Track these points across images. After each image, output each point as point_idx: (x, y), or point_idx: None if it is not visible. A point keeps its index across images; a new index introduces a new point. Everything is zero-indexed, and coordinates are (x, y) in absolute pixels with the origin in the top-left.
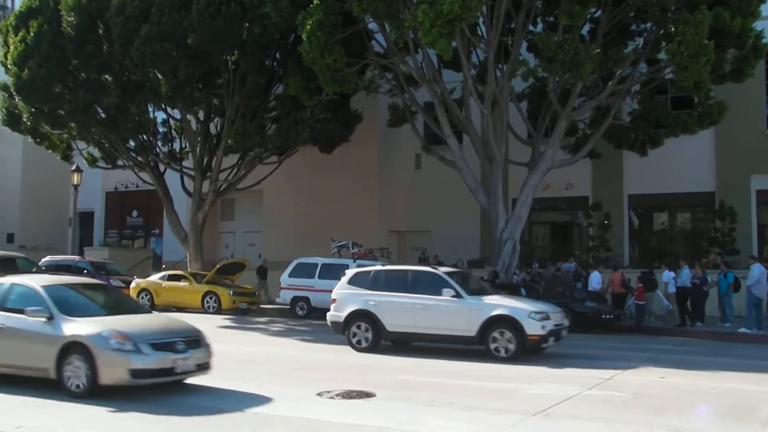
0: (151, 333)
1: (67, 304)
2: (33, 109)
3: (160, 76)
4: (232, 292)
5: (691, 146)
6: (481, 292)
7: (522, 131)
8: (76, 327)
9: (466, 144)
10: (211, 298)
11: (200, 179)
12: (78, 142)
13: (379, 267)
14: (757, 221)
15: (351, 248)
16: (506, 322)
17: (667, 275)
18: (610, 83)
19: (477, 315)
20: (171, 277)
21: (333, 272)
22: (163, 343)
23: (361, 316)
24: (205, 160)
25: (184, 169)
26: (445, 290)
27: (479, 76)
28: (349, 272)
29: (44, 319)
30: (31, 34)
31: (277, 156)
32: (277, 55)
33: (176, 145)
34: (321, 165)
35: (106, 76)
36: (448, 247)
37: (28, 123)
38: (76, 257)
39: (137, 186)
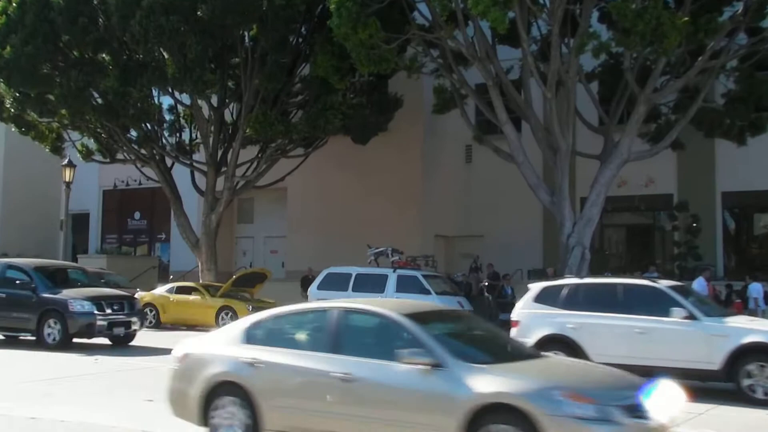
0: (605, 389)
1: (454, 343)
2: (17, 94)
3: (165, 54)
4: (251, 308)
5: None
6: (719, 312)
7: (592, 117)
8: (490, 381)
9: (526, 133)
10: (227, 315)
11: (213, 175)
12: (70, 132)
13: (576, 280)
14: None
15: (390, 256)
16: (766, 352)
17: (755, 288)
18: (700, 59)
19: (721, 343)
20: (180, 290)
21: (370, 284)
22: (628, 405)
23: (555, 342)
24: (220, 152)
25: (194, 164)
26: (673, 310)
27: (541, 53)
28: (536, 287)
29: (426, 368)
30: (14, 4)
31: (304, 148)
32: (303, 29)
33: (185, 136)
34: (355, 158)
35: (103, 55)
36: (505, 254)
37: (12, 110)
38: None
39: (140, 183)
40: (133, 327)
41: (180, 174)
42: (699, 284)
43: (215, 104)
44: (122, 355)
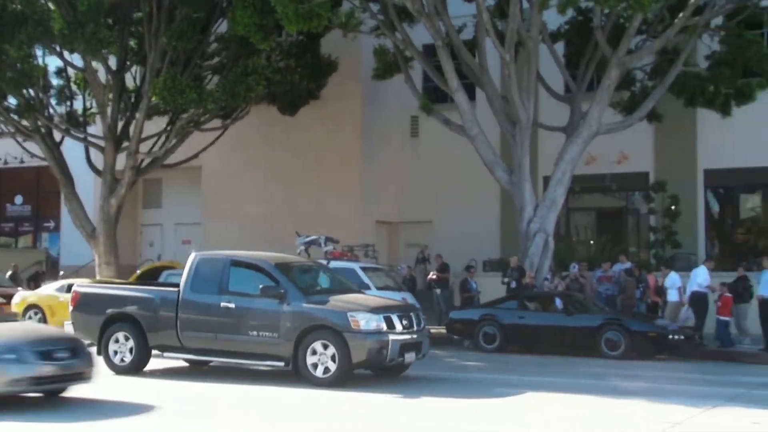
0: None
1: None
2: None
3: (51, 5)
4: None
5: None
6: None
7: (557, 84)
8: None
9: (481, 102)
10: None
11: (113, 152)
12: None
13: None
14: None
15: (323, 245)
16: None
17: (674, 279)
18: (681, 15)
19: None
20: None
21: None
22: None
23: None
24: (120, 125)
25: (89, 138)
26: None
27: (499, 8)
28: None
29: None
30: None
31: (221, 120)
32: None
33: (78, 104)
34: (282, 131)
35: None
36: (456, 242)
37: None
38: None
39: (22, 161)
40: (423, 351)
41: (72, 150)
42: (700, 272)
43: (114, 67)
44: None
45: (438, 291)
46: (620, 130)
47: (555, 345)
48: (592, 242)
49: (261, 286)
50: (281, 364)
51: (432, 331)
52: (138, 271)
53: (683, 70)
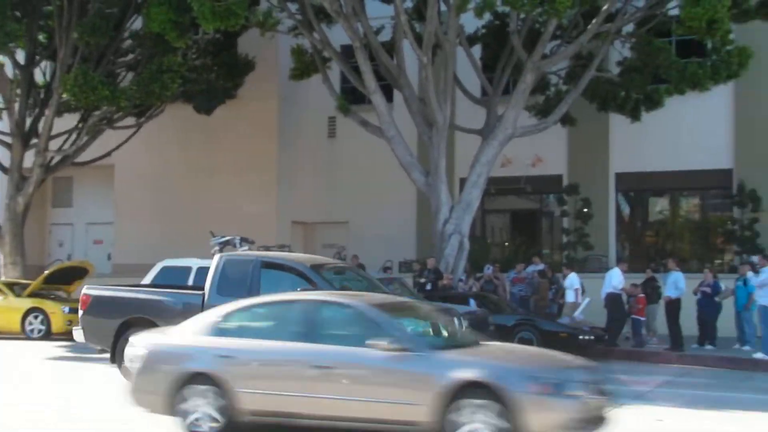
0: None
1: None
2: None
3: None
4: (67, 309)
5: (702, 108)
6: None
7: (474, 87)
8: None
9: (398, 104)
10: (35, 318)
11: (21, 148)
12: None
13: None
14: None
15: (238, 246)
16: None
17: (572, 280)
18: (593, 21)
19: None
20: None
21: None
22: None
23: None
24: (29, 121)
25: None
26: None
27: (417, 11)
28: None
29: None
30: None
31: (135, 117)
32: None
33: None
34: (197, 131)
35: None
36: (373, 243)
37: None
38: None
39: None
40: None
41: None
42: (614, 274)
43: (22, 61)
44: None
45: None
46: (535, 134)
47: None
48: (506, 244)
49: (299, 290)
50: None
51: None
52: (46, 272)
53: (596, 76)
